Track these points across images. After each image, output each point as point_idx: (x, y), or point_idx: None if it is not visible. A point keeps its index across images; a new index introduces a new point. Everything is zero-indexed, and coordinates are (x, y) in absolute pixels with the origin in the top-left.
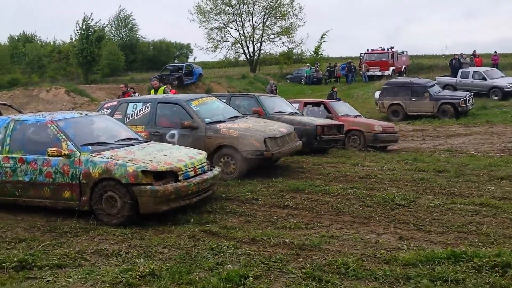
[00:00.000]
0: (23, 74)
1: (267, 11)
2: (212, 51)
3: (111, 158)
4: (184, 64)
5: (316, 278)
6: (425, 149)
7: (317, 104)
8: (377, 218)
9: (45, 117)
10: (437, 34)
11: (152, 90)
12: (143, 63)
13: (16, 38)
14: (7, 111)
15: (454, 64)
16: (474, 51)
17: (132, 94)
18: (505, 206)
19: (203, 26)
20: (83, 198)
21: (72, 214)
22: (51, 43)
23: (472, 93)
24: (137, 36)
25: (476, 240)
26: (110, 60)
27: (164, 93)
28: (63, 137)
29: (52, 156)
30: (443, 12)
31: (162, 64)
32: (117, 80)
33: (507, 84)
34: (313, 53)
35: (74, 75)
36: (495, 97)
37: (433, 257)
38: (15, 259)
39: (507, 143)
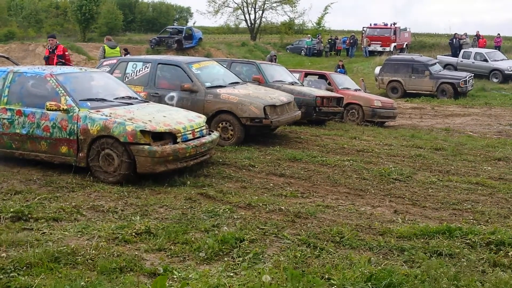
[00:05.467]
0: (19, 28)
1: None
2: (212, 15)
3: (110, 116)
4: (184, 28)
5: (311, 245)
6: (422, 127)
7: (317, 76)
8: (373, 191)
9: (44, 70)
10: (444, 12)
11: (106, 46)
12: (142, 24)
13: None
14: (3, 64)
15: (455, 43)
16: (477, 31)
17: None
18: (501, 187)
19: None
20: (80, 154)
21: (68, 170)
22: None
23: (473, 74)
24: None
25: (471, 218)
26: (108, 19)
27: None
28: (62, 91)
29: (50, 110)
30: None
31: (161, 26)
32: (115, 40)
33: (508, 67)
34: (315, 25)
35: (71, 32)
36: (495, 80)
37: (428, 231)
38: (11, 210)
39: (505, 126)
